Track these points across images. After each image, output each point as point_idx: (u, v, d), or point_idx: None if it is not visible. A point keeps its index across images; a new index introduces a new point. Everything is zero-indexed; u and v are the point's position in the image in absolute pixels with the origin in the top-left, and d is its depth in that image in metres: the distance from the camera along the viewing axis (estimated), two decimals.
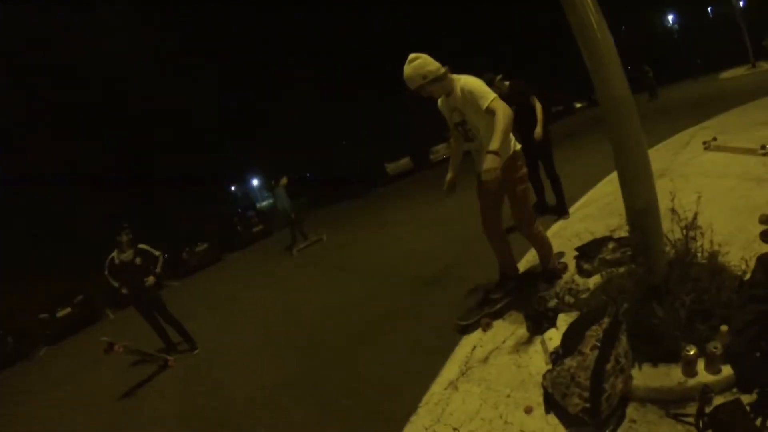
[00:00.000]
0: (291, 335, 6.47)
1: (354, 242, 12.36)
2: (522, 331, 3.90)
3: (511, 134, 3.97)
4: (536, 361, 3.42)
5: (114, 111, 39.45)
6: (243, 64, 50.96)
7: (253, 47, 52.20)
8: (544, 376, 2.97)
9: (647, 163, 3.03)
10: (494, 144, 3.49)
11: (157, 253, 7.16)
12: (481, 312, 4.38)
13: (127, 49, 39.20)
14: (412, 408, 3.49)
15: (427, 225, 10.65)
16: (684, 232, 3.13)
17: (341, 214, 21.02)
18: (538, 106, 6.55)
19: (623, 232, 4.05)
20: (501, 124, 3.53)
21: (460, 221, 9.11)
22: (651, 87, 24.92)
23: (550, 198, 7.13)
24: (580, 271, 4.46)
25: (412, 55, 3.85)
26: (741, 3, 28.37)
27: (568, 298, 3.84)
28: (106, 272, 6.93)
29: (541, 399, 2.97)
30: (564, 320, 3.48)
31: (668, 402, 2.56)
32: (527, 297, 4.29)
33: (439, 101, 4.20)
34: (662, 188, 3.19)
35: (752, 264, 3.03)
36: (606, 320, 2.79)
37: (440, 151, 30.81)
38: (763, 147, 6.11)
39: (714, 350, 2.49)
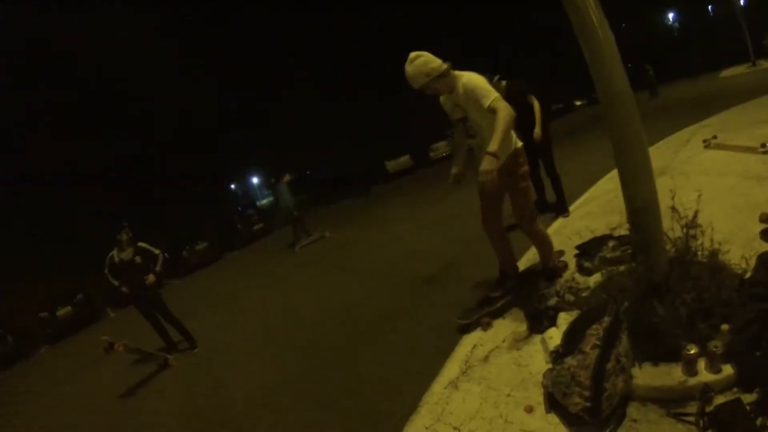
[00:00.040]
0: (291, 334, 6.46)
1: (354, 241, 12.34)
2: (522, 330, 3.89)
3: (512, 132, 3.96)
4: (537, 360, 3.41)
5: (114, 111, 39.51)
6: (243, 64, 51.03)
7: (253, 47, 52.25)
8: (544, 375, 2.97)
9: (648, 161, 3.03)
10: (492, 146, 3.48)
11: (156, 251, 7.15)
12: (481, 311, 4.37)
13: (128, 49, 39.25)
14: (412, 407, 3.48)
15: (427, 224, 10.63)
16: (684, 230, 3.13)
17: (341, 212, 21.00)
18: (536, 106, 6.54)
19: (624, 230, 4.06)
20: (501, 125, 3.52)
21: (460, 220, 9.11)
22: (652, 85, 24.93)
23: (551, 196, 7.12)
24: (581, 270, 4.45)
25: (413, 54, 3.84)
26: (741, 1, 28.35)
27: (569, 297, 3.84)
28: (105, 271, 6.93)
29: (541, 398, 2.97)
30: (564, 319, 3.47)
31: (669, 401, 2.55)
32: (527, 295, 4.29)
33: (442, 97, 4.19)
34: (662, 186, 3.18)
35: (753, 262, 3.03)
36: (607, 319, 2.79)
37: (440, 148, 30.81)
38: (763, 145, 6.10)
39: (715, 349, 2.48)
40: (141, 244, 7.05)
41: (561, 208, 6.88)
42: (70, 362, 10.67)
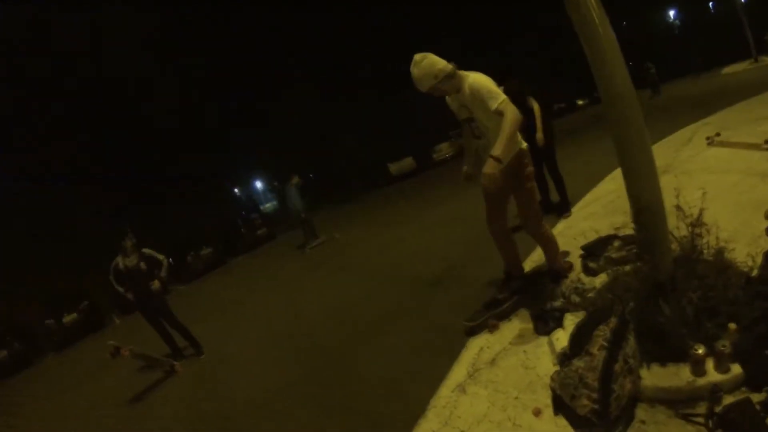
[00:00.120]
0: (296, 339, 6.46)
1: (358, 243, 12.35)
2: (529, 332, 3.89)
3: (517, 132, 3.95)
4: (544, 362, 3.40)
5: (114, 111, 39.62)
6: (243, 64, 51.15)
7: (253, 47, 52.37)
8: (552, 378, 2.96)
9: (651, 160, 3.02)
10: (497, 149, 3.49)
11: (161, 257, 7.15)
12: (487, 313, 4.36)
13: (128, 49, 39.39)
14: (419, 411, 3.46)
15: (430, 226, 10.63)
16: (690, 229, 3.11)
17: (344, 215, 21.00)
18: (536, 108, 6.51)
19: (628, 230, 4.04)
20: (508, 128, 3.52)
21: (464, 221, 9.10)
22: (654, 83, 24.88)
23: (554, 196, 7.12)
24: (586, 270, 4.45)
25: (417, 56, 3.82)
26: None
27: (575, 298, 3.83)
28: (111, 278, 6.93)
29: (549, 400, 2.96)
30: (571, 320, 3.46)
31: (677, 402, 2.54)
32: (533, 297, 4.29)
33: (448, 97, 4.18)
34: (666, 185, 3.17)
35: (759, 260, 3.02)
36: (613, 320, 2.78)
37: (443, 150, 30.75)
38: (766, 141, 6.08)
39: (723, 349, 2.47)
40: (145, 250, 7.05)
41: (563, 209, 6.88)
42: (75, 369, 10.69)
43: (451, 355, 4.09)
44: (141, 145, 41.17)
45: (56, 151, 32.45)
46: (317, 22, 51.83)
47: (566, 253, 4.98)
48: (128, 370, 7.52)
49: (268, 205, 57.33)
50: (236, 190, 57.43)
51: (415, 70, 3.83)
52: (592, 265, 4.41)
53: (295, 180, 13.60)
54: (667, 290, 2.91)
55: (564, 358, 3.03)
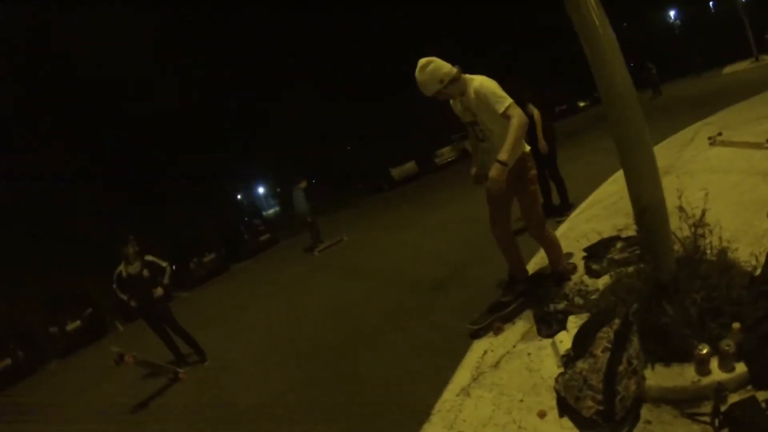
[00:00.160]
0: (299, 343, 6.46)
1: (360, 247, 12.37)
2: (533, 335, 3.88)
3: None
4: (548, 364, 3.40)
5: (113, 111, 39.67)
6: (243, 64, 51.23)
7: (253, 47, 52.45)
8: (556, 380, 2.96)
9: (653, 161, 3.02)
10: (503, 154, 3.52)
11: (164, 264, 7.15)
12: (491, 316, 4.36)
13: (128, 49, 39.48)
14: (424, 415, 3.46)
15: (433, 229, 10.62)
16: (692, 229, 3.11)
17: (347, 219, 20.99)
18: (536, 114, 6.50)
19: (631, 232, 4.04)
20: (515, 133, 3.56)
21: (466, 224, 9.10)
22: (654, 84, 24.87)
23: (556, 199, 7.14)
24: (589, 272, 4.44)
25: (422, 61, 3.83)
26: None
27: (578, 300, 3.83)
28: (114, 286, 6.94)
29: (554, 403, 2.96)
30: (574, 322, 3.46)
31: (683, 402, 2.54)
32: (537, 299, 4.28)
33: (452, 100, 4.20)
34: (668, 185, 3.17)
35: (762, 259, 3.02)
36: (617, 321, 2.78)
37: (445, 154, 30.69)
38: None
39: (727, 348, 2.47)
40: (148, 257, 7.06)
41: (563, 209, 6.92)
42: (79, 376, 10.68)
43: (455, 358, 4.09)
44: (141, 145, 41.18)
45: (56, 151, 32.47)
46: (317, 22, 51.95)
47: (569, 255, 4.98)
48: (132, 377, 7.51)
49: (271, 211, 57.31)
50: (239, 196, 57.44)
51: (420, 75, 3.84)
52: (594, 266, 4.40)
53: (303, 184, 13.69)
54: (671, 291, 2.91)
55: (568, 360, 3.03)
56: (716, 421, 2.27)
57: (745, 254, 3.15)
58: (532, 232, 4.37)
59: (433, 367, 4.14)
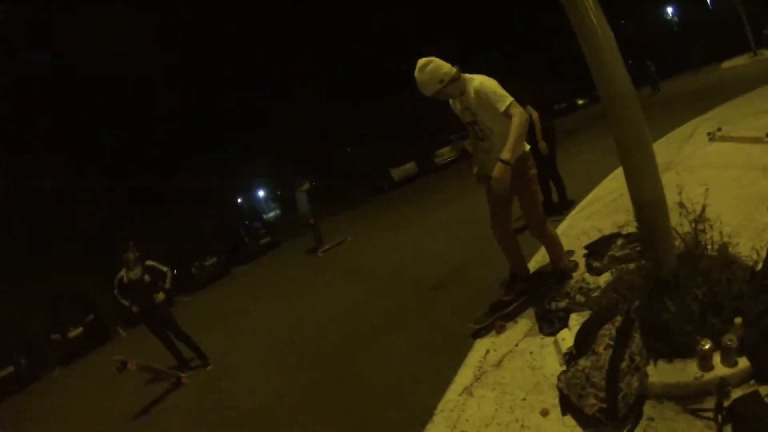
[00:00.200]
0: (301, 346, 6.45)
1: (360, 248, 12.37)
2: (535, 333, 3.88)
3: None
4: (550, 362, 3.39)
5: (113, 112, 39.63)
6: (243, 64, 51.20)
7: (253, 47, 52.42)
8: (558, 378, 2.95)
9: (652, 158, 3.01)
10: (506, 153, 3.53)
11: (165, 269, 7.15)
12: (493, 315, 4.35)
13: (128, 49, 39.48)
14: (427, 415, 3.45)
15: (433, 229, 10.61)
16: (692, 225, 3.10)
17: (347, 220, 20.99)
18: (535, 116, 6.51)
19: (632, 228, 4.03)
20: (516, 132, 3.58)
21: (466, 223, 9.10)
22: (653, 81, 24.89)
23: (555, 198, 7.16)
24: (590, 270, 4.43)
25: (422, 61, 3.83)
26: None
27: (579, 297, 3.82)
28: (115, 291, 6.94)
29: (556, 401, 2.95)
30: (576, 320, 3.45)
31: (685, 397, 2.53)
32: (539, 298, 4.27)
33: (451, 100, 4.20)
34: (668, 182, 3.16)
35: (763, 254, 3.01)
36: (618, 318, 2.77)
37: (444, 154, 30.70)
38: (767, 135, 6.07)
39: (729, 343, 2.46)
40: (149, 262, 7.06)
41: (562, 207, 6.93)
42: (82, 382, 10.68)
43: (457, 357, 4.08)
44: (141, 146, 41.15)
45: (56, 151, 32.42)
46: (317, 22, 51.93)
47: (570, 253, 4.97)
48: (134, 383, 7.51)
49: (271, 214, 57.28)
50: (239, 200, 57.39)
51: (419, 75, 3.84)
52: (596, 264, 4.40)
53: (306, 186, 13.71)
54: (672, 287, 2.90)
55: (570, 358, 3.02)
56: (719, 417, 2.26)
57: (746, 249, 3.13)
58: (533, 231, 4.37)
59: (434, 368, 4.13)
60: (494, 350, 3.94)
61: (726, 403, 2.27)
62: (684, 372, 2.59)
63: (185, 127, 45.63)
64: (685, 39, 41.31)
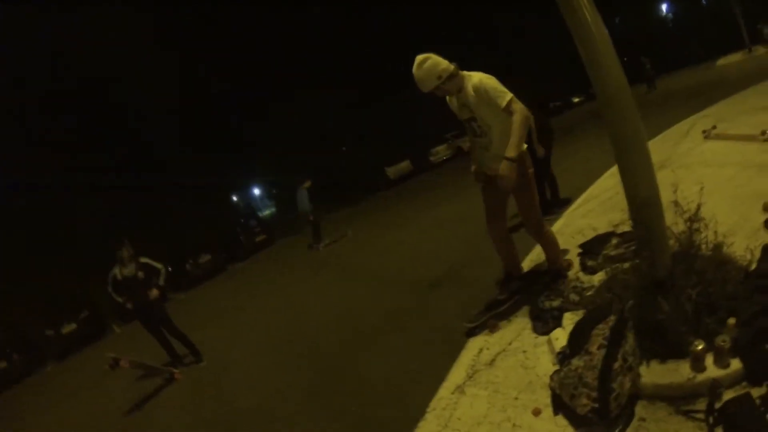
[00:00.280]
0: (296, 344, 6.44)
1: (358, 246, 12.35)
2: (528, 332, 3.87)
3: None
4: (543, 362, 3.38)
5: (113, 112, 39.52)
6: (243, 64, 51.01)
7: (253, 47, 52.23)
8: (551, 378, 2.95)
9: (648, 157, 3.00)
10: (511, 151, 3.55)
11: (159, 265, 7.13)
12: (487, 314, 4.35)
13: (127, 50, 39.37)
14: (419, 413, 3.45)
15: (429, 228, 10.60)
16: (687, 224, 3.09)
17: (343, 218, 20.96)
18: (531, 117, 6.52)
19: (626, 227, 4.02)
20: (519, 129, 3.60)
21: (462, 222, 9.09)
22: (649, 78, 24.90)
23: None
24: (585, 269, 4.43)
25: (420, 57, 3.82)
26: None
27: (573, 297, 3.82)
28: (109, 288, 6.91)
29: (549, 400, 2.94)
30: (570, 319, 3.45)
31: (677, 398, 2.53)
32: (533, 296, 4.27)
33: (448, 97, 4.18)
34: (664, 180, 3.15)
35: (757, 253, 3.01)
36: (612, 318, 2.77)
37: (440, 152, 30.70)
38: (763, 132, 6.07)
39: (722, 344, 2.45)
40: (143, 259, 7.03)
41: (554, 206, 7.00)
42: (76, 378, 10.63)
43: (451, 356, 4.08)
44: (141, 146, 41.05)
45: (56, 151, 32.34)
46: (317, 22, 51.75)
47: (565, 252, 4.96)
48: (128, 379, 7.47)
49: (267, 212, 57.22)
50: (234, 198, 57.27)
51: (417, 71, 3.83)
52: (590, 263, 4.40)
53: (307, 184, 13.85)
54: (666, 287, 2.89)
55: (563, 358, 3.02)
56: (711, 418, 2.26)
57: (740, 248, 3.14)
58: (531, 230, 4.36)
59: (430, 366, 4.12)
60: (487, 349, 3.93)
61: (718, 405, 2.27)
62: (677, 373, 2.59)
63: (185, 127, 45.57)
64: (680, 36, 41.31)
